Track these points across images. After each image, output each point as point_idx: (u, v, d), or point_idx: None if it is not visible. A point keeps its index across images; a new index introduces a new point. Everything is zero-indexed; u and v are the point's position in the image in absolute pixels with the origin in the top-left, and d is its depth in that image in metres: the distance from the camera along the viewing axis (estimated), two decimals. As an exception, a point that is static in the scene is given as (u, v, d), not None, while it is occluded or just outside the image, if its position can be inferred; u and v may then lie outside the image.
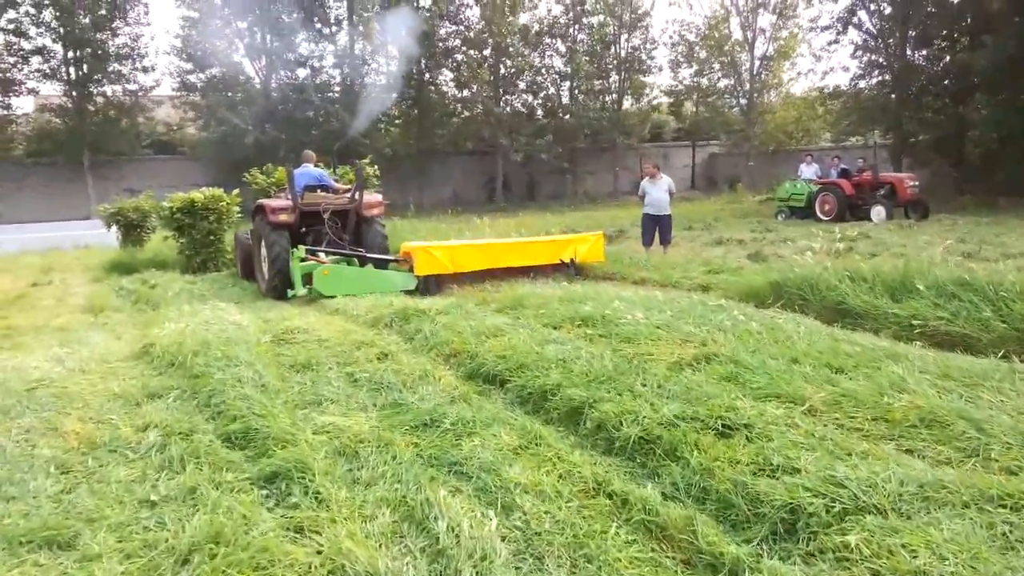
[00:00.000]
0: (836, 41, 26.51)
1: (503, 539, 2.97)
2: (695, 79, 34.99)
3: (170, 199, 12.65)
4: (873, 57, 25.52)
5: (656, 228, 12.62)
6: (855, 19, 25.89)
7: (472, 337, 6.02)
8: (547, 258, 10.47)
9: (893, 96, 25.04)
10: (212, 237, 12.62)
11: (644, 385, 4.52)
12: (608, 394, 4.39)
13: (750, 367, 4.84)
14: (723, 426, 3.75)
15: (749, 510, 3.03)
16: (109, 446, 4.29)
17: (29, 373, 5.88)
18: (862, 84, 26.18)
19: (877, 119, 25.63)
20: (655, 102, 36.61)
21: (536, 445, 3.87)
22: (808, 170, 20.30)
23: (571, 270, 10.51)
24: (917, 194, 17.70)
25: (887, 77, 25.29)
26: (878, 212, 17.17)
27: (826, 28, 27.04)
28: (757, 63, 32.93)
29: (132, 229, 14.61)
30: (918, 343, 5.49)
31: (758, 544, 2.86)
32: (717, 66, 34.56)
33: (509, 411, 4.53)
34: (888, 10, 25.28)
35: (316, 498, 3.39)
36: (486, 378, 5.24)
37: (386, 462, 3.74)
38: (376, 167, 14.57)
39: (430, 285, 9.63)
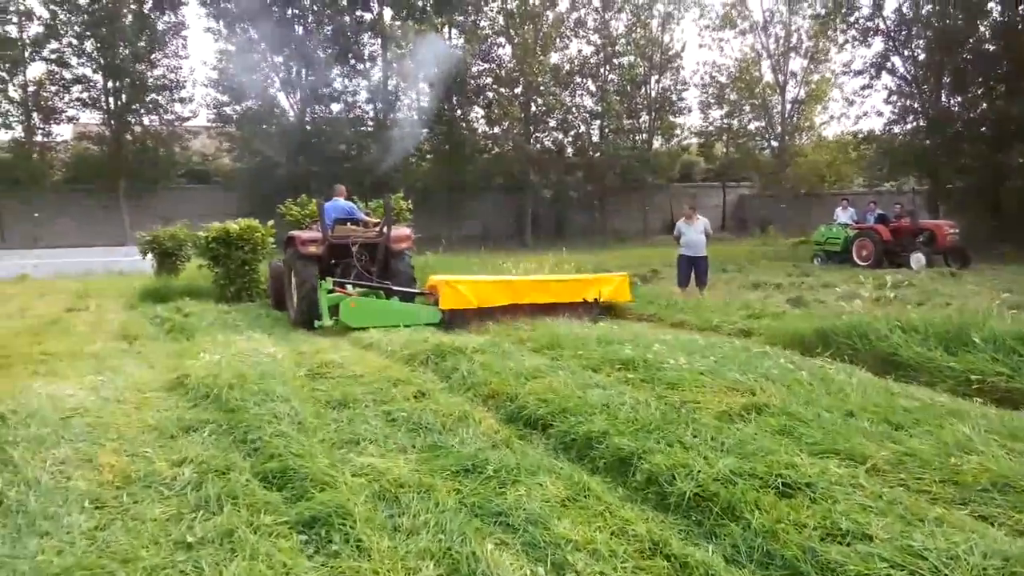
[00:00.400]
0: (869, 86, 26.39)
1: (557, 601, 2.81)
2: (725, 120, 34.99)
3: (206, 229, 12.72)
4: (907, 102, 25.35)
5: (692, 270, 12.50)
6: (888, 64, 25.77)
7: (511, 378, 5.89)
8: (571, 297, 10.42)
9: (928, 142, 24.82)
10: (247, 267, 12.66)
11: (695, 436, 4.35)
12: (657, 444, 4.22)
13: (804, 420, 4.66)
14: (783, 484, 3.57)
15: (820, 580, 2.85)
16: (144, 481, 4.19)
17: (64, 401, 5.82)
18: (896, 129, 25.96)
19: (911, 165, 25.35)
20: (685, 142, 36.63)
21: (584, 497, 3.71)
22: (844, 214, 20.08)
23: (595, 310, 10.43)
24: (957, 242, 17.38)
25: (922, 122, 25.07)
26: (917, 259, 16.86)
27: (859, 73, 26.95)
28: (788, 106, 32.90)
29: (167, 257, 14.72)
30: (977, 399, 5.26)
31: (832, 618, 2.67)
32: (748, 108, 34.59)
33: (553, 458, 4.38)
34: (922, 56, 25.15)
35: (357, 547, 3.26)
36: (527, 422, 5.09)
37: (428, 509, 3.60)
38: (409, 201, 14.59)
39: (455, 320, 9.61)
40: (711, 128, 36.13)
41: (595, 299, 10.50)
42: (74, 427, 5.21)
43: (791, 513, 3.29)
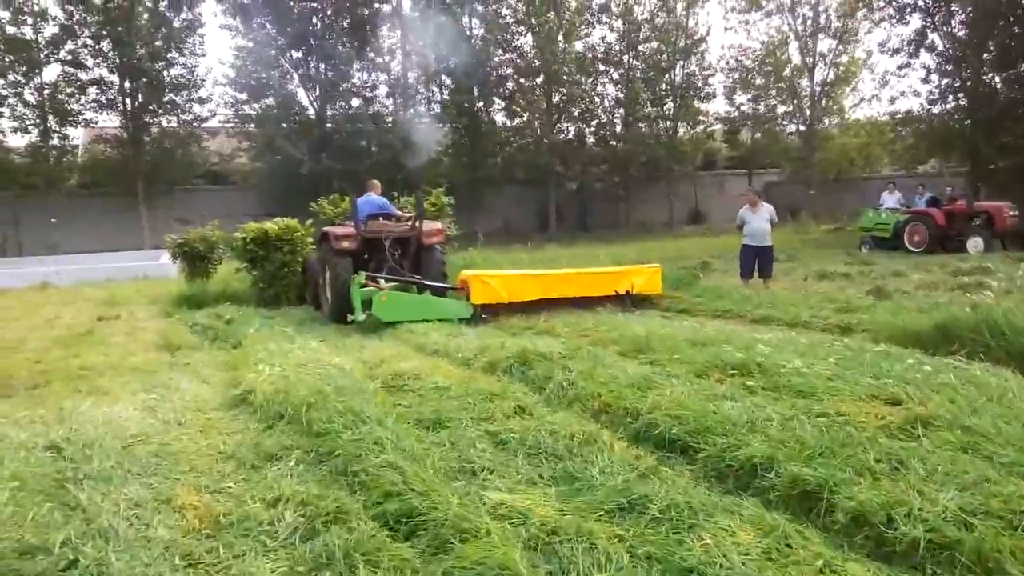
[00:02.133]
0: (908, 64, 25.49)
1: None
2: (752, 105, 34.13)
3: (243, 229, 12.14)
4: (949, 81, 24.47)
5: (756, 260, 11.83)
6: (927, 41, 24.88)
7: (621, 389, 5.23)
8: (603, 290, 10.37)
9: (968, 122, 23.97)
10: (286, 269, 12.05)
11: (878, 461, 3.68)
12: (843, 473, 3.56)
13: (985, 435, 3.99)
14: (1034, 525, 2.91)
15: None
16: (238, 527, 3.58)
17: (121, 426, 5.22)
18: (935, 109, 25.10)
19: (952, 145, 24.49)
20: (709, 129, 35.79)
21: (787, 546, 3.05)
22: (891, 199, 19.34)
23: (627, 302, 10.27)
24: (1017, 224, 16.59)
25: (963, 102, 24.20)
26: (975, 243, 16.11)
27: (896, 51, 26.06)
28: (817, 89, 32.02)
29: (198, 260, 14.11)
30: None
31: None
32: (774, 92, 33.73)
33: (713, 493, 3.71)
34: (962, 32, 24.27)
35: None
36: (659, 442, 4.43)
37: (599, 565, 2.96)
38: (451, 197, 13.97)
39: (486, 313, 9.73)
40: (736, 114, 35.25)
41: (627, 292, 10.40)
42: (139, 457, 4.62)
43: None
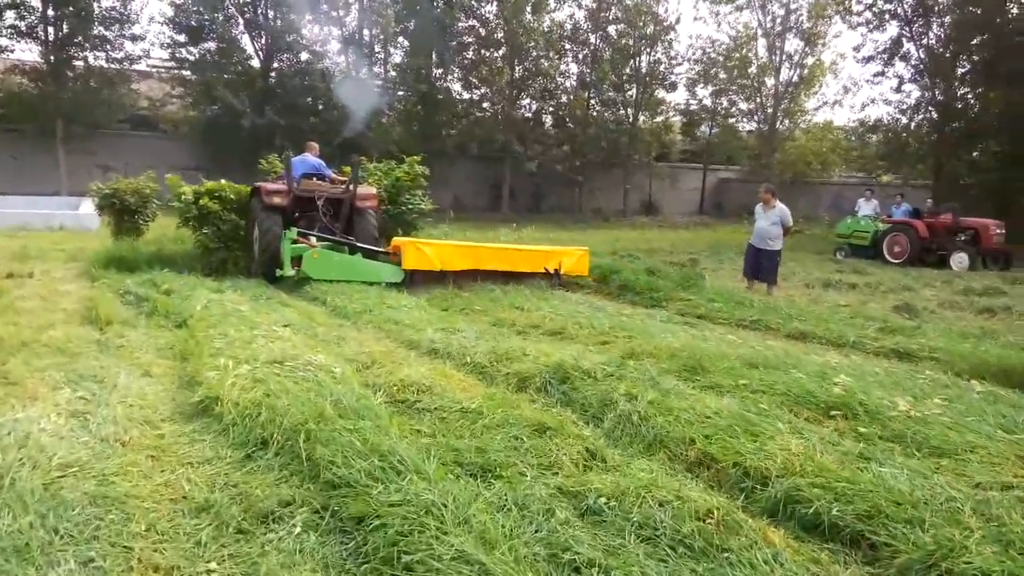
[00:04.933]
0: (882, 73, 25.10)
1: None
2: (715, 99, 33.49)
3: (200, 183, 10.60)
4: (919, 93, 24.24)
5: (756, 263, 10.97)
6: (902, 51, 24.53)
7: (720, 432, 4.06)
8: (532, 266, 10.77)
9: (935, 136, 23.76)
10: (242, 233, 10.49)
11: None
12: None
13: None
14: None
15: None
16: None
17: (41, 445, 3.76)
18: (904, 120, 24.85)
19: (918, 157, 24.27)
20: (669, 120, 34.99)
21: None
22: (867, 206, 18.82)
23: (555, 280, 10.66)
24: (1003, 243, 16.20)
25: (933, 114, 23.97)
26: (959, 259, 15.63)
27: (869, 59, 25.68)
28: (781, 89, 31.56)
29: (128, 215, 12.26)
30: None
31: None
32: (736, 88, 33.16)
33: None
34: (938, 44, 23.98)
35: None
36: (805, 522, 3.27)
37: None
38: (425, 167, 12.54)
39: (415, 280, 9.98)
40: (696, 106, 34.56)
41: (555, 270, 10.75)
42: (69, 505, 3.21)
43: None
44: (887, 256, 16.76)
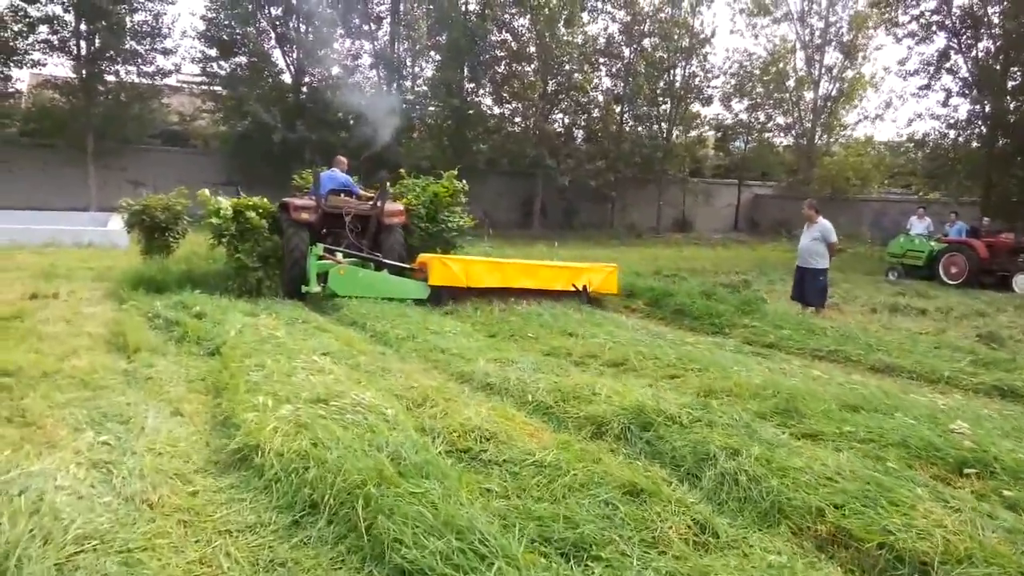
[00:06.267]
0: (928, 86, 24.25)
1: None
2: (750, 113, 32.73)
3: (234, 200, 10.17)
4: (968, 107, 23.35)
5: (802, 284, 10.40)
6: (949, 63, 23.70)
7: (852, 501, 3.43)
8: (561, 283, 10.63)
9: (985, 151, 22.87)
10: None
11: None
12: None
13: None
14: None
15: None
16: None
17: (56, 510, 3.22)
18: (952, 134, 23.96)
19: (970, 174, 23.35)
20: (703, 135, 34.28)
21: None
22: (920, 224, 18.02)
23: (583, 298, 10.50)
24: (1066, 263, 15.34)
25: (983, 129, 23.08)
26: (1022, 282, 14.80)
27: (913, 73, 24.86)
28: (820, 103, 30.77)
29: (158, 233, 11.82)
30: None
31: None
32: (772, 101, 32.40)
33: None
34: (986, 56, 23.11)
35: None
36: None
37: None
38: (464, 182, 12.00)
39: (443, 297, 9.92)
40: (731, 120, 33.81)
41: (584, 287, 10.64)
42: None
43: None
44: (943, 277, 15.95)
